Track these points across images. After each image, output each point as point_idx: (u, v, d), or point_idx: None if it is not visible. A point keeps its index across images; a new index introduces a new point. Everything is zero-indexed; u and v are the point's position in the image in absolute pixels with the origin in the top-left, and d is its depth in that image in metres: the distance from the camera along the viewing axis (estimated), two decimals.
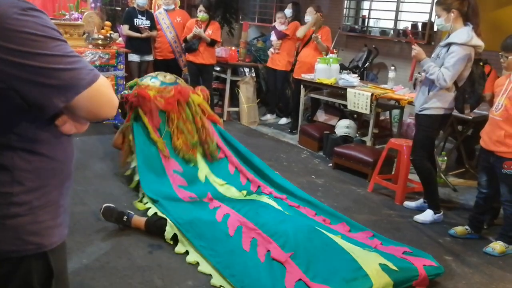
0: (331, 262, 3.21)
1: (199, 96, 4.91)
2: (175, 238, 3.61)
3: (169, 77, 4.99)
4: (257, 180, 4.60)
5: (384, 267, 3.18)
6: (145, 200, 4.21)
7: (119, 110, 4.78)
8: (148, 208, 4.06)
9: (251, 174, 4.66)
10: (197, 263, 3.34)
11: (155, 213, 3.89)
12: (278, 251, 3.30)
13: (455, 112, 4.35)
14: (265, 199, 4.24)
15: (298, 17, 7.69)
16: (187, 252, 3.48)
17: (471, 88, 4.09)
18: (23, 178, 1.29)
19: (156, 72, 5.20)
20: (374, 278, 3.06)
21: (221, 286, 3.11)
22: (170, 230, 3.63)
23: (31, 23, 1.18)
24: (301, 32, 7.18)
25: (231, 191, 4.46)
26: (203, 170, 4.66)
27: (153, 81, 4.84)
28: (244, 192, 4.45)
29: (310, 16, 7.10)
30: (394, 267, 3.19)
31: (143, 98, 4.55)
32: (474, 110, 4.44)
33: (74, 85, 1.23)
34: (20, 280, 1.34)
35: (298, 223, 3.71)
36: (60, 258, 1.44)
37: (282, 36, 7.46)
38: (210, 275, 3.21)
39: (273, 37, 7.65)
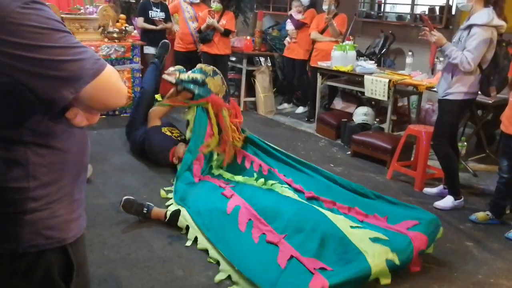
0: (323, 239, 3.23)
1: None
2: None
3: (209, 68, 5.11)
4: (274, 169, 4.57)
5: (375, 239, 3.21)
6: (170, 195, 4.23)
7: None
8: (169, 199, 4.14)
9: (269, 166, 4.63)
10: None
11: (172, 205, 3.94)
12: (273, 233, 3.34)
13: (477, 97, 4.27)
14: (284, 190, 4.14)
15: (314, 4, 7.61)
16: (196, 240, 3.53)
17: (496, 70, 4.01)
18: (38, 173, 1.29)
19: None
20: (367, 252, 3.08)
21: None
22: (183, 220, 3.67)
23: (34, 16, 1.17)
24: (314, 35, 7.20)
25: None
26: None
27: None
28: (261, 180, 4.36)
29: (326, 5, 6.94)
30: (384, 237, 3.23)
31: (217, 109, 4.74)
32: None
33: (82, 75, 1.21)
34: (41, 274, 1.34)
35: (298, 205, 3.68)
36: (80, 251, 1.44)
37: (300, 25, 7.37)
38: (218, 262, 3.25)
39: (289, 26, 7.56)
